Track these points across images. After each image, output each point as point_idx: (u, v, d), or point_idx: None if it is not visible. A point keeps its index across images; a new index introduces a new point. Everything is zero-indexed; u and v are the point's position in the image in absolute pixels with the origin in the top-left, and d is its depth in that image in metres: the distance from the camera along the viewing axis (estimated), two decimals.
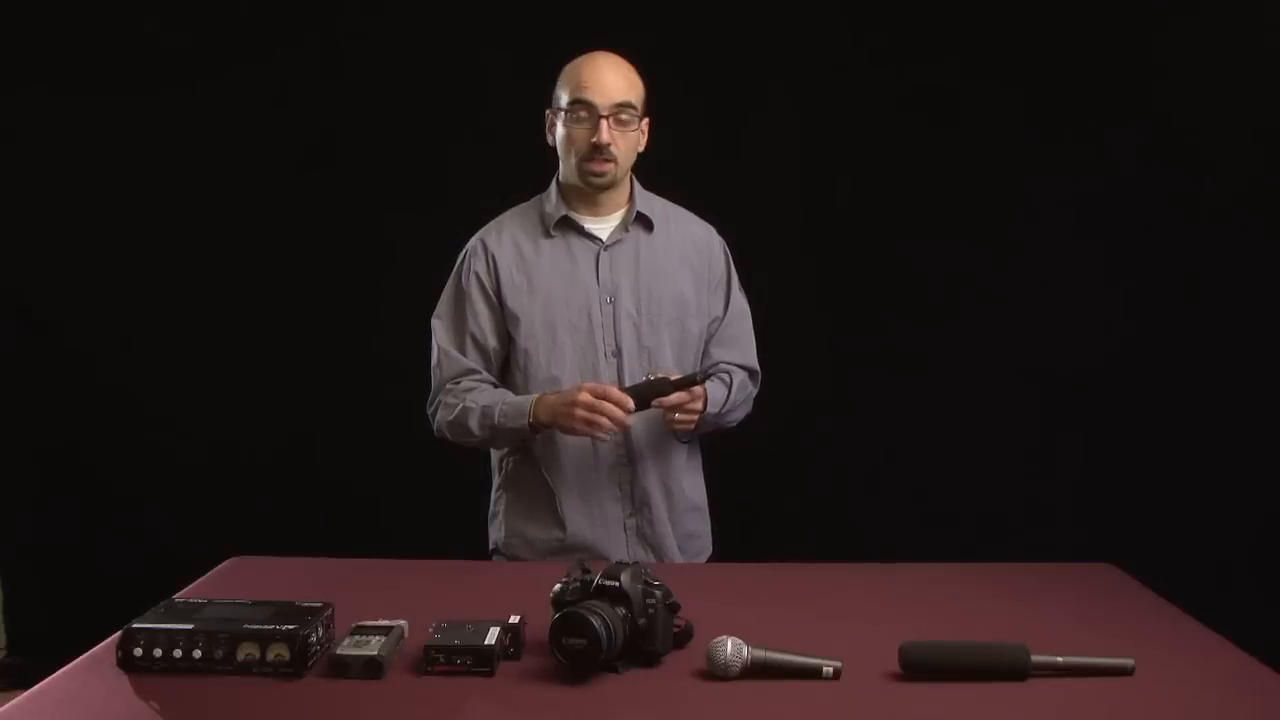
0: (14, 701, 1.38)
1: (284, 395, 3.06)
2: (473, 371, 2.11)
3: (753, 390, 2.22)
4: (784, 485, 2.95)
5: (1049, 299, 2.97)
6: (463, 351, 2.12)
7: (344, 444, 3.07)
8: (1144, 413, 2.99)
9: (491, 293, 2.11)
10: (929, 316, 2.98)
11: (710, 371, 2.12)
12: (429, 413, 2.16)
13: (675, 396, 1.96)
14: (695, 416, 2.02)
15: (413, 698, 1.39)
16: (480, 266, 2.12)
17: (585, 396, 1.90)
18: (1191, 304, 2.94)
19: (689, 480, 2.20)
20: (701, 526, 2.24)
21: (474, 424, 2.05)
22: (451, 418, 2.07)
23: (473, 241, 2.17)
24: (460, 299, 2.13)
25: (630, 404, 1.91)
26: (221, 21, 3.00)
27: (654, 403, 1.96)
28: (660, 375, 1.99)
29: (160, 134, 3.02)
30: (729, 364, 2.18)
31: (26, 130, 3.04)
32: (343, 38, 3.04)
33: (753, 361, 2.23)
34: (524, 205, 2.19)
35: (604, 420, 1.90)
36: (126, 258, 3.05)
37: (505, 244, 2.13)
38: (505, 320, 2.11)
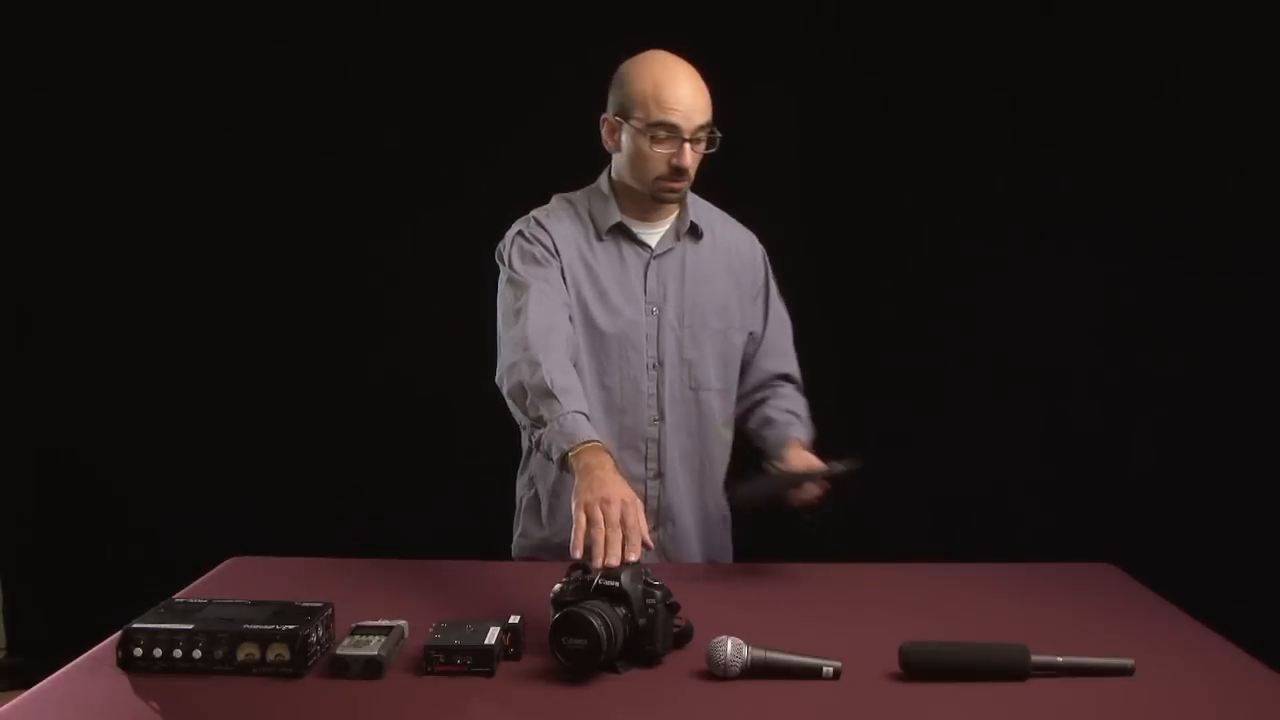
0: (14, 701, 1.38)
1: (284, 395, 3.06)
2: (561, 320, 1.91)
3: (798, 395, 2.19)
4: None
5: (1051, 299, 2.97)
6: (548, 295, 1.94)
7: (345, 444, 3.07)
8: (1144, 413, 3.00)
9: (557, 263, 1.99)
10: (929, 317, 2.98)
11: (850, 467, 1.88)
12: (512, 349, 1.87)
13: (809, 489, 1.88)
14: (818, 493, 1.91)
15: (413, 698, 1.39)
16: (545, 239, 2.00)
17: (616, 509, 1.57)
18: (1193, 304, 2.94)
19: (721, 493, 2.17)
20: (728, 537, 2.21)
21: (531, 396, 1.78)
22: (530, 380, 1.78)
23: (525, 220, 2.05)
24: (531, 256, 1.98)
25: (631, 551, 1.55)
26: (225, 21, 3.00)
27: (792, 498, 1.87)
28: (787, 469, 1.88)
29: (165, 135, 3.02)
30: (778, 375, 2.16)
31: (30, 132, 3.03)
32: (349, 39, 3.03)
33: (795, 369, 2.19)
34: (567, 199, 2.09)
35: (599, 542, 1.54)
36: (126, 258, 3.05)
37: (565, 233, 2.03)
38: None
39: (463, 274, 2.86)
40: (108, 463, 3.15)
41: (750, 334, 2.15)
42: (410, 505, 2.97)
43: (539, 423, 1.76)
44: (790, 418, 2.09)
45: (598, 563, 1.52)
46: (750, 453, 2.15)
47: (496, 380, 1.90)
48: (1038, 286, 2.97)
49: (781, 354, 2.18)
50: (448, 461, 2.94)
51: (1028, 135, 2.94)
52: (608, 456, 1.69)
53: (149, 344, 3.07)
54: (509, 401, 1.86)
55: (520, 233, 2.03)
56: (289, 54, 3.01)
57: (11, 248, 3.07)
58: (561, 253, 2.01)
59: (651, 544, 1.65)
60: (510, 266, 2.01)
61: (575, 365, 1.96)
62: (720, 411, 2.12)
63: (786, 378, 2.18)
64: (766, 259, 2.20)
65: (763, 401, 2.15)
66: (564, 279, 2.00)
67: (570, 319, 1.98)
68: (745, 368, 2.16)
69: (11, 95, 3.01)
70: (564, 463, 1.72)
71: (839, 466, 1.85)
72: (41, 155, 3.04)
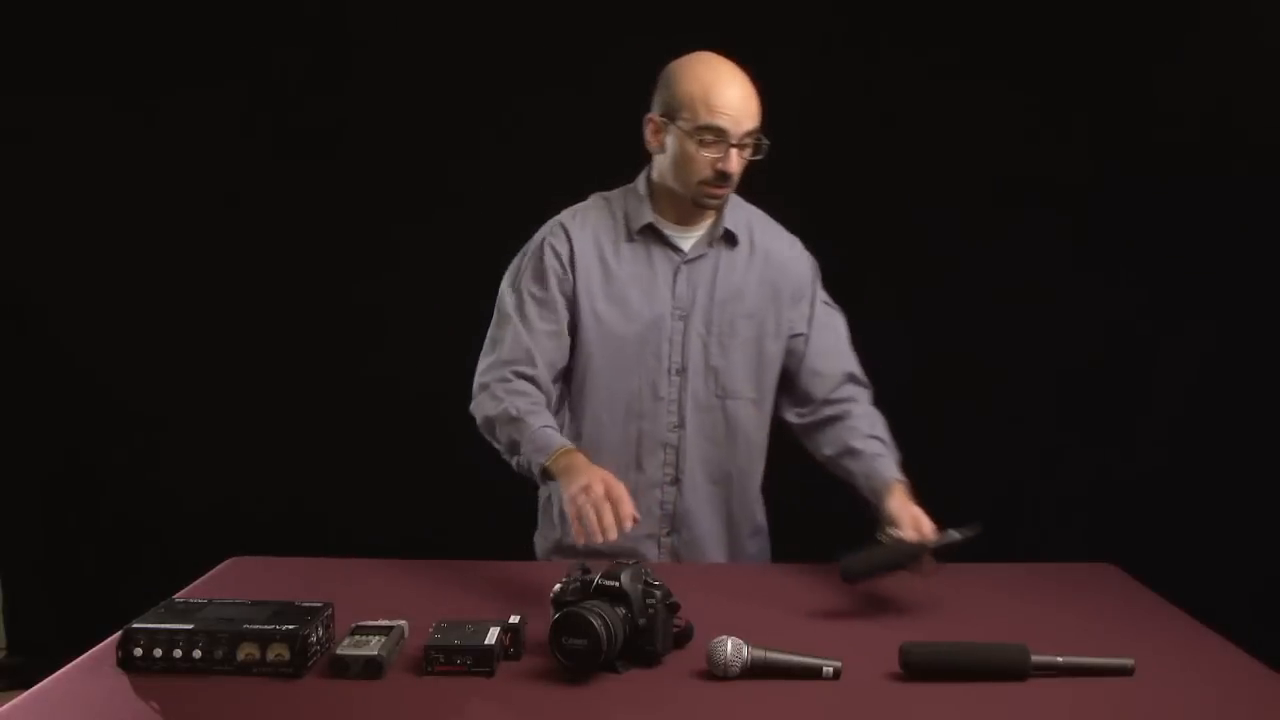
0: (14, 701, 1.38)
1: (284, 395, 3.06)
2: (532, 362, 1.96)
3: (875, 411, 2.07)
4: (784, 486, 2.95)
5: (1051, 299, 2.97)
6: (536, 335, 1.98)
7: (345, 443, 3.07)
8: (1144, 413, 2.99)
9: (569, 279, 2.01)
10: (929, 316, 2.98)
11: (967, 535, 1.75)
12: (476, 384, 1.99)
13: (928, 563, 1.74)
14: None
15: (413, 698, 1.39)
16: (563, 250, 2.01)
17: (599, 487, 1.69)
18: (1193, 304, 2.94)
19: (758, 505, 2.15)
20: (762, 548, 2.17)
21: (499, 427, 1.91)
22: (494, 413, 1.91)
23: (553, 225, 2.05)
24: (541, 275, 2.01)
25: (625, 522, 1.68)
26: (224, 23, 3.00)
27: (913, 569, 1.74)
28: (902, 541, 1.74)
29: (166, 137, 3.01)
30: (843, 376, 2.07)
31: (31, 134, 3.03)
32: (348, 41, 3.02)
33: (858, 368, 2.10)
34: (604, 198, 2.09)
35: (593, 520, 1.66)
36: (126, 258, 3.04)
37: (587, 237, 2.02)
38: (575, 316, 2.01)
39: (463, 274, 2.85)
40: (107, 462, 3.15)
41: (798, 335, 2.09)
42: (411, 505, 2.97)
43: (514, 447, 1.88)
44: (876, 447, 1.97)
45: (597, 539, 1.64)
46: (832, 478, 2.03)
47: (471, 410, 1.99)
48: (1039, 286, 2.96)
49: (835, 354, 2.10)
50: (448, 461, 2.93)
51: (1031, 135, 2.94)
52: (581, 455, 1.80)
53: (149, 344, 3.07)
54: (484, 434, 1.96)
55: (542, 244, 2.03)
56: (288, 56, 3.00)
57: (11, 249, 3.06)
58: (578, 261, 2.01)
59: (637, 515, 1.72)
60: (516, 280, 2.03)
61: (588, 365, 2.00)
62: (754, 420, 2.08)
63: (852, 379, 2.09)
64: (814, 265, 2.14)
65: (837, 420, 2.04)
66: (573, 292, 2.00)
67: (572, 334, 2.00)
68: (797, 373, 2.09)
69: (13, 96, 3.01)
70: (546, 474, 1.81)
71: (955, 535, 1.73)
72: (41, 157, 3.03)
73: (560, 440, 1.84)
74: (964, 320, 2.96)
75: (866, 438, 1.98)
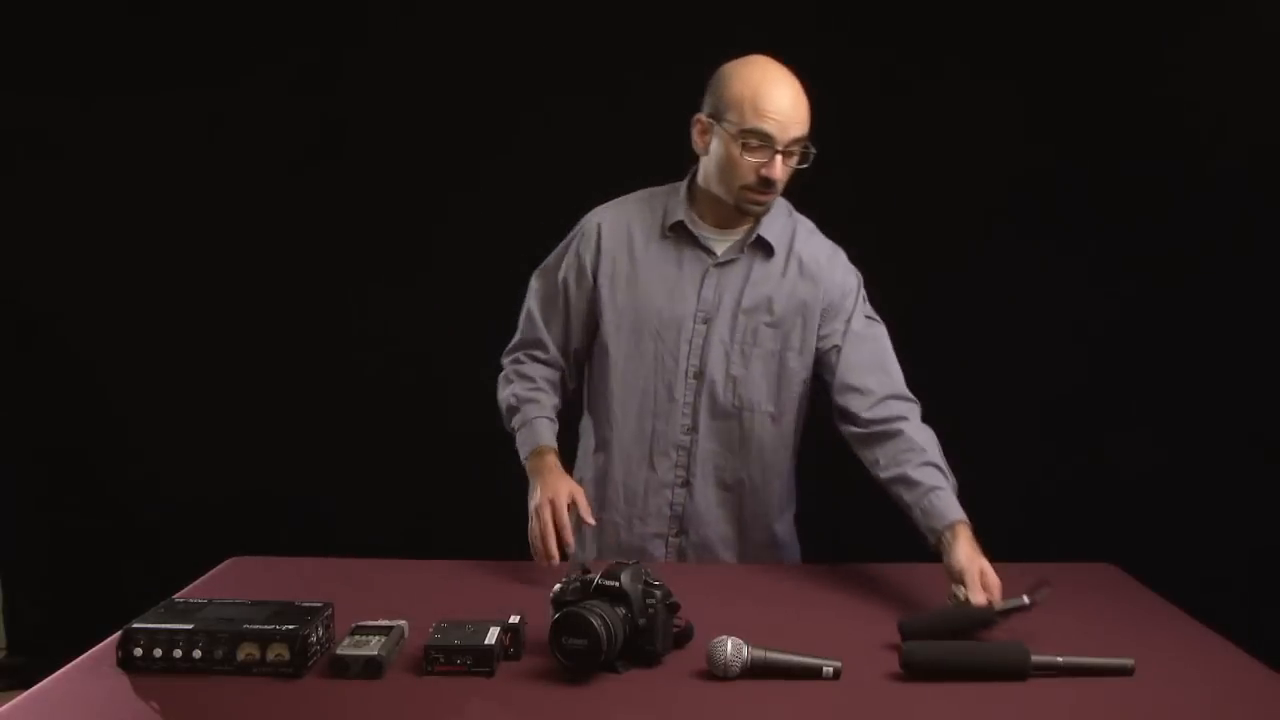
0: (14, 701, 1.38)
1: (285, 395, 3.06)
2: (544, 347, 2.08)
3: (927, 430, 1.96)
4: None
5: (1049, 300, 2.97)
6: (548, 323, 2.08)
7: (346, 443, 3.07)
8: (1143, 413, 2.99)
9: (590, 276, 2.03)
10: (927, 319, 2.97)
11: (1040, 600, 1.64)
12: (502, 361, 2.14)
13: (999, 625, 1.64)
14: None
15: (413, 698, 1.39)
16: (588, 249, 2.04)
17: (546, 511, 1.86)
18: (1191, 305, 2.94)
19: (781, 520, 2.11)
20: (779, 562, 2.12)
21: (505, 415, 2.07)
22: (501, 396, 2.09)
23: (589, 219, 2.08)
24: (560, 266, 2.07)
25: (568, 547, 1.86)
26: (223, 24, 2.99)
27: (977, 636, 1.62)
28: (971, 605, 1.66)
29: (166, 137, 3.01)
30: (889, 394, 1.97)
31: (32, 135, 3.03)
32: (348, 40, 3.02)
33: (901, 386, 2.00)
34: (652, 192, 2.08)
35: (539, 548, 1.86)
36: (127, 259, 3.04)
37: (619, 231, 2.04)
38: (596, 309, 2.04)
39: (463, 273, 2.87)
40: (108, 463, 3.15)
41: (831, 349, 2.02)
42: (411, 505, 2.97)
43: (513, 434, 2.04)
44: (933, 477, 1.86)
45: (543, 565, 1.82)
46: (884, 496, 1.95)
47: (502, 361, 2.14)
48: (1037, 286, 2.96)
49: (872, 369, 2.01)
50: (448, 462, 2.94)
51: (1030, 135, 2.94)
52: (548, 457, 1.96)
53: (149, 344, 3.07)
54: (499, 399, 2.11)
55: (572, 237, 2.08)
56: (288, 55, 3.00)
57: (12, 249, 3.06)
58: (603, 254, 2.03)
59: (592, 521, 1.91)
60: (541, 269, 2.11)
61: (604, 358, 2.04)
62: (770, 434, 2.03)
63: (896, 395, 1.98)
64: (858, 278, 2.07)
65: (886, 437, 1.93)
66: (594, 285, 2.03)
67: (595, 325, 2.05)
68: (832, 387, 2.01)
69: (12, 96, 3.01)
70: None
71: (1024, 601, 1.64)
72: (42, 157, 3.03)
73: (541, 438, 1.99)
74: (963, 319, 2.96)
75: (922, 465, 1.88)
